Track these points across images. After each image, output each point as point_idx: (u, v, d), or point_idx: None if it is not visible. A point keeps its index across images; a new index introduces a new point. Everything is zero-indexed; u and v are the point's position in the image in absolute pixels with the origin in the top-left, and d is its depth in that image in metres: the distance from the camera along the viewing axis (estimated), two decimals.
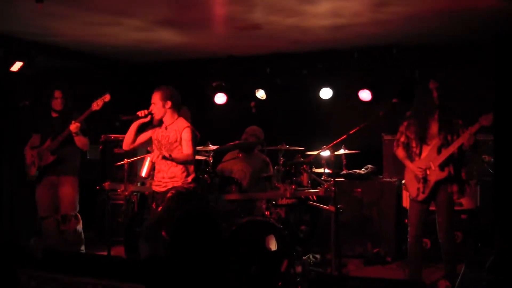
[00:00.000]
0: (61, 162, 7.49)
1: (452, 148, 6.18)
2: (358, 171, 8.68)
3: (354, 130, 6.76)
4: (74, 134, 7.32)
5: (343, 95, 9.51)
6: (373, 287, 3.87)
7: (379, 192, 8.38)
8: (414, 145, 6.49)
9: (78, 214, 7.61)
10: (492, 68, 8.42)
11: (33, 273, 4.51)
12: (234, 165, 8.06)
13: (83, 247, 7.74)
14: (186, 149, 6.51)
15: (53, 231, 7.59)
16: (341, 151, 8.32)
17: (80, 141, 7.47)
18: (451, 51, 8.87)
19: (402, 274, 7.21)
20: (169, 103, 6.58)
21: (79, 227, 7.60)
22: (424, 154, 6.41)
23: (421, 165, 6.35)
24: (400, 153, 6.61)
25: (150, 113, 6.56)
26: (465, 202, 7.91)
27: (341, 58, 9.32)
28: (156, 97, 6.58)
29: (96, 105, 7.29)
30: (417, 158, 6.45)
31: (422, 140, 6.40)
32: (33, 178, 7.59)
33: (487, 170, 7.82)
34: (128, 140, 6.71)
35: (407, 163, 6.53)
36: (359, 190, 8.48)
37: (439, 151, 6.27)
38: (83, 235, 7.69)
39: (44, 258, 4.69)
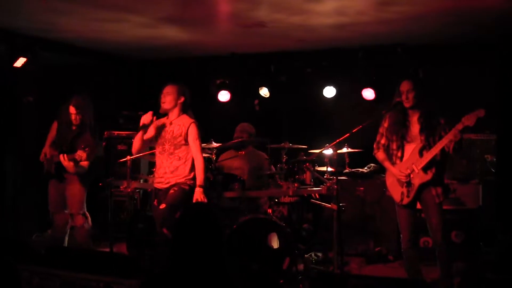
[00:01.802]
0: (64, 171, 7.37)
1: (435, 150, 6.00)
2: (360, 169, 8.68)
3: (357, 129, 6.74)
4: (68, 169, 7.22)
5: (347, 94, 9.51)
6: (375, 286, 3.88)
7: (381, 191, 8.36)
8: (394, 147, 6.37)
9: (87, 213, 7.58)
10: (496, 68, 8.46)
11: (35, 269, 4.52)
12: (233, 163, 8.08)
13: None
14: (196, 154, 6.59)
15: (63, 225, 7.62)
16: (344, 150, 8.33)
17: (77, 169, 7.26)
18: (455, 51, 8.87)
19: (404, 273, 7.20)
20: (182, 98, 6.69)
21: (87, 224, 7.55)
22: (405, 157, 6.27)
23: (403, 169, 6.22)
24: (381, 155, 6.51)
25: (152, 120, 6.60)
26: (468, 202, 7.92)
27: (345, 57, 9.32)
28: (173, 89, 6.68)
29: (79, 156, 6.96)
30: (398, 161, 6.33)
31: (402, 138, 6.27)
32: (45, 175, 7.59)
33: (489, 170, 7.83)
34: (137, 145, 6.74)
35: (389, 166, 6.41)
36: (362, 188, 8.50)
37: (421, 154, 6.11)
38: (90, 238, 7.64)
39: (47, 254, 4.70)
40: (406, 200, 6.24)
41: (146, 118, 6.59)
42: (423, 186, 6.16)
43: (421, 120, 6.18)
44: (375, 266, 7.96)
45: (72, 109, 7.29)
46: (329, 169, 8.13)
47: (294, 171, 7.91)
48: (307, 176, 7.98)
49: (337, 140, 6.77)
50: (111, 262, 4.47)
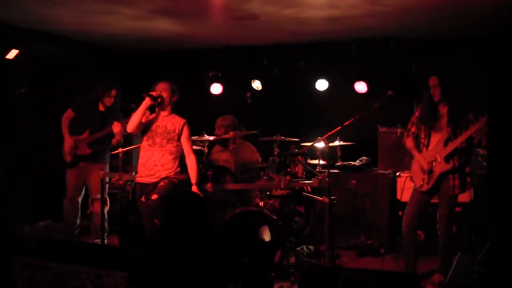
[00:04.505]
0: (95, 153, 7.95)
1: (459, 141, 6.30)
2: (352, 162, 8.69)
3: (349, 122, 6.80)
4: (116, 136, 7.73)
5: (339, 87, 9.52)
6: (365, 278, 3.88)
7: (373, 184, 8.40)
8: (422, 136, 6.63)
9: (107, 198, 7.98)
10: (489, 62, 8.46)
11: (27, 261, 4.52)
12: (220, 156, 8.10)
13: (105, 236, 7.95)
14: (190, 154, 6.72)
15: (73, 211, 8.07)
16: (336, 143, 8.34)
17: (119, 142, 7.84)
18: (448, 45, 8.88)
19: (395, 266, 7.22)
20: (175, 97, 6.79)
21: (106, 209, 7.96)
22: (431, 146, 6.53)
23: (427, 157, 6.48)
24: (409, 143, 6.75)
25: (161, 97, 6.67)
26: (460, 196, 7.95)
27: (337, 50, 9.32)
28: (166, 86, 6.75)
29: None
30: (424, 149, 6.58)
31: (430, 127, 6.54)
32: (69, 163, 8.01)
33: (481, 164, 7.84)
34: (136, 121, 6.64)
35: (415, 153, 6.66)
36: (354, 182, 8.50)
37: (445, 144, 6.38)
38: (107, 224, 8.04)
39: (38, 246, 4.70)
40: (425, 187, 6.52)
41: (155, 93, 6.70)
42: (443, 175, 6.44)
43: (450, 113, 6.45)
44: (367, 259, 7.98)
45: (114, 92, 7.96)
46: (321, 162, 8.14)
47: (286, 164, 7.92)
48: (299, 169, 7.99)
49: (329, 133, 6.83)
50: (102, 254, 4.47)
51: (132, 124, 6.66)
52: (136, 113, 6.66)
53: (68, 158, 7.94)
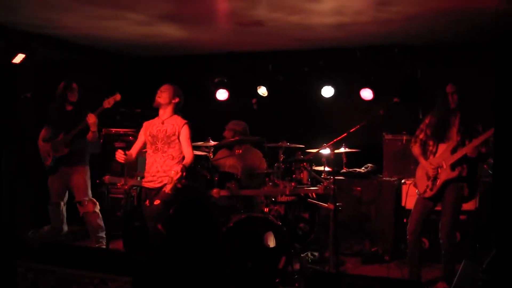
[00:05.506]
0: (74, 154, 7.80)
1: (466, 149, 6.27)
2: (358, 169, 8.68)
3: (354, 129, 6.79)
4: (91, 127, 7.63)
5: (345, 94, 9.51)
6: (369, 286, 3.88)
7: (378, 191, 8.38)
8: (431, 143, 6.60)
9: (93, 199, 7.97)
10: (493, 68, 8.44)
11: (30, 265, 4.52)
12: (226, 161, 8.09)
13: (104, 234, 7.97)
14: (187, 150, 6.67)
15: (56, 216, 7.96)
16: (342, 150, 8.33)
17: (94, 134, 7.75)
18: (453, 51, 8.87)
19: (400, 273, 7.20)
20: (177, 99, 6.79)
21: (97, 208, 7.98)
22: (438, 153, 6.51)
23: (434, 163, 6.47)
24: (416, 150, 6.74)
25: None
26: (464, 203, 7.94)
27: (343, 57, 9.32)
28: (169, 88, 6.80)
29: (108, 103, 7.56)
30: (431, 156, 6.57)
31: (439, 140, 6.52)
32: (49, 168, 7.90)
33: (486, 171, 7.83)
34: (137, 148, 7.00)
35: (421, 160, 6.65)
36: (359, 188, 8.49)
37: (453, 152, 6.37)
38: (102, 223, 8.00)
39: (42, 250, 4.70)
40: (428, 193, 6.51)
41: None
42: (447, 183, 6.42)
43: (461, 122, 6.44)
44: (371, 266, 7.96)
45: (75, 85, 7.82)
46: (326, 168, 8.13)
47: (291, 170, 7.92)
48: (304, 175, 7.98)
49: (335, 140, 6.81)
50: (106, 258, 4.47)
51: (134, 150, 6.99)
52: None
53: (48, 162, 7.87)
